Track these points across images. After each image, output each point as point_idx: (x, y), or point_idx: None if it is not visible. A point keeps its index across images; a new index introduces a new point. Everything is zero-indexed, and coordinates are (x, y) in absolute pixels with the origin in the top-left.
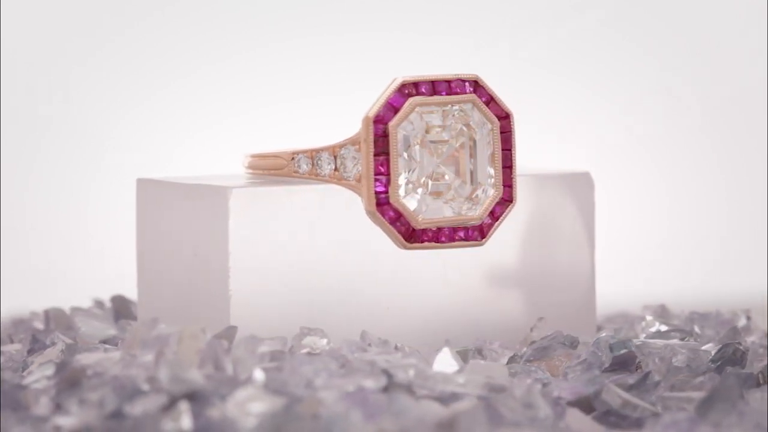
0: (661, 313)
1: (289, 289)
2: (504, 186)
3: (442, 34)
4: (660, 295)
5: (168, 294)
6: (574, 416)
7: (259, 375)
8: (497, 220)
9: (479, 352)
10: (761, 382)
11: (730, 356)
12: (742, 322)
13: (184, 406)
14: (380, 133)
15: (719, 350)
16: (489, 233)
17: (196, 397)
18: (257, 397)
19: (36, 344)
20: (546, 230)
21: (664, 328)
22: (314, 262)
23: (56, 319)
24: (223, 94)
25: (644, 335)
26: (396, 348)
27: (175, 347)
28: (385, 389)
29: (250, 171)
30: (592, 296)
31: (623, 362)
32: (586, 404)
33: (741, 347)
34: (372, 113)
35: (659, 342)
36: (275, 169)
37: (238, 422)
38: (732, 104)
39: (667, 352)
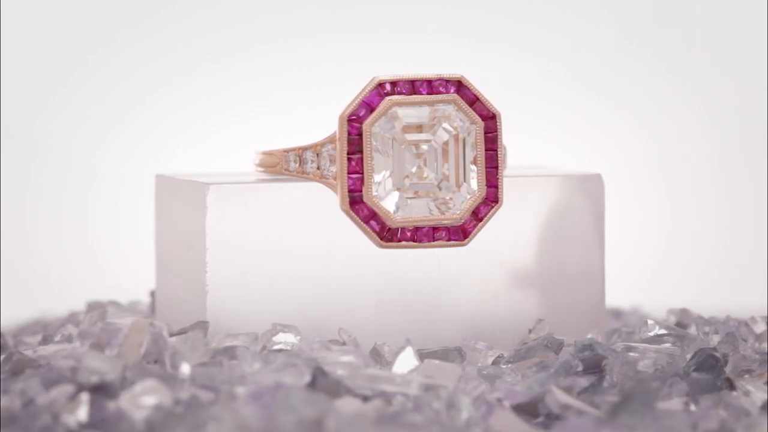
0: (682, 316)
1: (269, 285)
2: (489, 187)
3: (448, 34)
4: (667, 297)
5: (173, 288)
6: (501, 417)
7: (185, 369)
8: (481, 220)
9: (459, 353)
10: (722, 388)
11: (703, 362)
12: (761, 327)
13: (84, 398)
14: (355, 131)
15: (693, 356)
16: (472, 234)
17: (107, 389)
18: (153, 390)
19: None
20: (556, 231)
21: (662, 331)
22: (296, 259)
23: (97, 312)
24: (245, 87)
25: (641, 339)
26: (375, 347)
27: (121, 340)
28: (310, 386)
29: (259, 169)
30: (602, 297)
31: (594, 365)
32: (533, 407)
33: (716, 353)
34: (346, 112)
35: (641, 346)
36: (270, 166)
37: (129, 414)
38: (744, 106)
39: (633, 356)
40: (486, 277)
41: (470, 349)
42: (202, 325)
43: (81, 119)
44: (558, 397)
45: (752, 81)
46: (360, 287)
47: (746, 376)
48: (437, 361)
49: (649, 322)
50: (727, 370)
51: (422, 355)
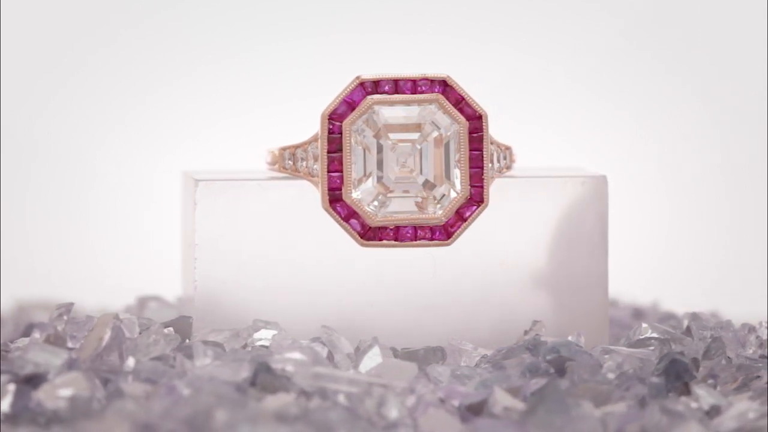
0: (692, 319)
1: (259, 281)
2: (474, 187)
3: (448, 34)
4: (668, 299)
5: (185, 284)
6: (432, 417)
7: (130, 362)
8: (466, 221)
9: (441, 353)
10: (679, 393)
11: (669, 367)
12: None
13: (10, 388)
14: (336, 130)
15: (660, 360)
16: (456, 234)
17: (38, 381)
18: (72, 382)
19: None
20: (560, 232)
21: (655, 334)
22: (286, 256)
23: (141, 307)
24: (245, 87)
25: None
26: (358, 345)
27: (87, 333)
28: (252, 383)
29: (269, 167)
30: (605, 298)
31: (562, 367)
32: (481, 408)
33: (683, 358)
34: (328, 110)
35: (617, 348)
36: (273, 164)
37: (47, 405)
38: (744, 106)
39: (597, 359)
40: (487, 277)
41: (455, 349)
42: (185, 320)
43: (81, 119)
44: (498, 398)
45: (752, 81)
46: (353, 286)
47: (710, 381)
48: (396, 360)
49: (644, 325)
50: (699, 375)
51: (403, 354)
